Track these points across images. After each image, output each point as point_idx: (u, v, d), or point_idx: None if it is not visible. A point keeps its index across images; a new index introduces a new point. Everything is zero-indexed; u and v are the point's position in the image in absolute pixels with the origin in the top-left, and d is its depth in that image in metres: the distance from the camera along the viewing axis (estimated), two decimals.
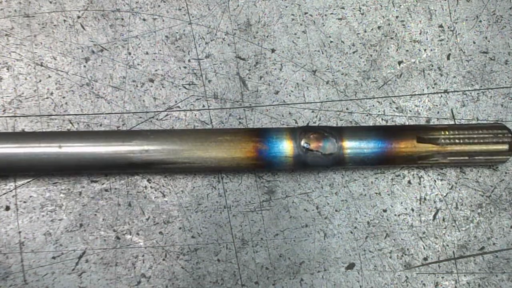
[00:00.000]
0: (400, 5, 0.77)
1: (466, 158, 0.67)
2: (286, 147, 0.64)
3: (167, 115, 0.70)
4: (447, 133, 0.66)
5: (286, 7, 0.75)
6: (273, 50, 0.73)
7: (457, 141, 0.66)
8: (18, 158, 0.61)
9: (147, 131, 0.64)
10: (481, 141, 0.66)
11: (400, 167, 0.72)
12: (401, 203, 0.71)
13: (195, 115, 0.71)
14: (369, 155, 0.65)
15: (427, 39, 0.76)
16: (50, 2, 0.71)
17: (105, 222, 0.67)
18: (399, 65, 0.75)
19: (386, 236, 0.70)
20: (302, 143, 0.63)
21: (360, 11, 0.76)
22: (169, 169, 0.65)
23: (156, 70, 0.71)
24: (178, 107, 0.71)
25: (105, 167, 0.63)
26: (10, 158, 0.60)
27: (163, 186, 0.69)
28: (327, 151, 0.63)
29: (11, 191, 0.67)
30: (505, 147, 0.67)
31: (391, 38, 0.75)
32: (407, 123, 0.73)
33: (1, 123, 0.68)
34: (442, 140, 0.66)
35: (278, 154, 0.64)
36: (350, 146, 0.64)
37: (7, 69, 0.69)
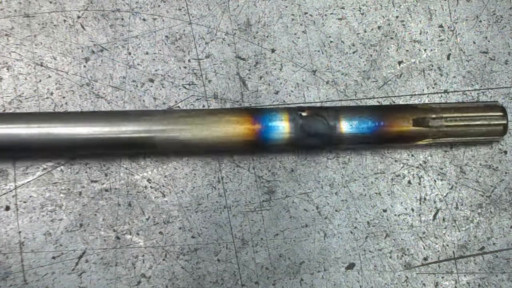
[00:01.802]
0: (400, 5, 0.77)
1: (460, 138, 0.68)
2: (283, 125, 0.64)
3: None
4: (442, 115, 0.67)
5: (286, 7, 0.75)
6: (273, 50, 0.73)
7: (452, 122, 0.67)
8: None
9: (137, 111, 0.64)
10: (477, 122, 0.67)
11: (402, 164, 0.72)
12: (401, 203, 0.71)
13: None
14: (365, 134, 0.65)
15: (427, 39, 0.76)
16: (50, 2, 0.71)
17: (105, 222, 0.67)
18: (399, 65, 0.75)
19: (386, 236, 0.70)
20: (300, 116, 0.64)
21: (360, 11, 0.76)
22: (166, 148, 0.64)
23: (156, 70, 0.71)
24: (178, 107, 0.71)
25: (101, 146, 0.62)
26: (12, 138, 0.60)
27: (163, 186, 0.69)
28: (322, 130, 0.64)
29: (11, 191, 0.67)
30: (500, 128, 0.68)
31: (391, 38, 0.75)
32: None
33: None
34: (437, 121, 0.66)
35: (275, 132, 0.63)
36: (346, 125, 0.65)
37: (7, 69, 0.69)
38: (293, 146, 0.66)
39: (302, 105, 0.72)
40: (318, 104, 0.72)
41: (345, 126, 0.64)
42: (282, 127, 0.63)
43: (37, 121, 0.61)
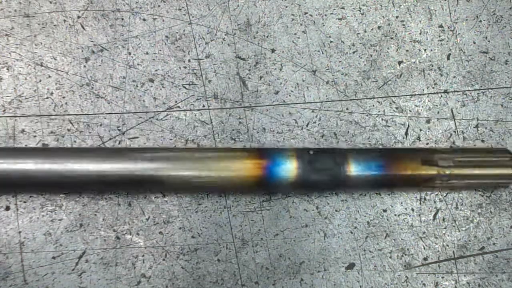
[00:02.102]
0: (400, 5, 0.77)
1: (470, 181, 0.67)
2: (289, 167, 0.63)
3: (167, 115, 0.70)
4: (451, 156, 0.66)
5: (286, 7, 0.75)
6: (273, 50, 0.73)
7: (461, 164, 0.66)
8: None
9: (148, 149, 0.64)
10: (485, 164, 0.66)
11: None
12: (401, 203, 0.71)
13: (195, 115, 0.71)
14: (372, 178, 0.64)
15: (427, 39, 0.76)
16: (50, 2, 0.71)
17: (105, 222, 0.67)
18: (399, 65, 0.75)
19: (386, 236, 0.70)
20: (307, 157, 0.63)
21: (360, 11, 0.76)
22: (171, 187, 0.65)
23: (156, 70, 0.71)
24: (178, 107, 0.71)
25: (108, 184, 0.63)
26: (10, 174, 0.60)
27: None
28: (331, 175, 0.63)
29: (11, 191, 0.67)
30: (509, 171, 0.67)
31: (391, 38, 0.75)
32: (407, 123, 0.73)
33: (1, 123, 0.68)
34: (446, 164, 0.65)
35: (281, 174, 0.63)
36: (354, 169, 0.64)
37: (7, 69, 0.69)
38: (300, 185, 0.65)
39: (302, 105, 0.72)
40: (318, 104, 0.73)
41: (354, 172, 0.64)
42: (290, 165, 0.63)
43: (45, 157, 0.61)
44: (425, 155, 0.66)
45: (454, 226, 0.71)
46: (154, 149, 0.64)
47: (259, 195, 0.70)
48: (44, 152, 0.62)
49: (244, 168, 0.62)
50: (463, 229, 0.71)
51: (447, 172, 0.65)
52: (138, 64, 0.71)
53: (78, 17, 0.71)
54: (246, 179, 0.63)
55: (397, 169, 0.64)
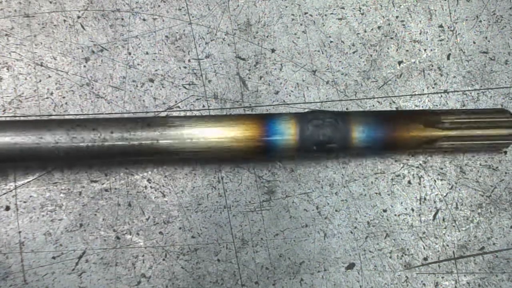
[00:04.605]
0: (400, 5, 0.77)
1: (471, 142, 0.67)
2: (290, 131, 0.62)
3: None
4: (452, 117, 0.66)
5: (286, 7, 0.75)
6: (273, 50, 0.73)
7: (462, 125, 0.66)
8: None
9: (146, 118, 0.63)
10: (486, 125, 0.66)
11: (402, 164, 0.72)
12: (401, 203, 0.71)
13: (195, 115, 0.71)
14: (375, 140, 0.64)
15: (427, 39, 0.76)
16: (50, 2, 0.71)
17: (105, 222, 0.67)
18: (399, 65, 0.75)
19: (386, 236, 0.70)
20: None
21: (360, 11, 0.76)
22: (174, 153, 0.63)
23: (156, 70, 0.71)
24: (178, 107, 0.71)
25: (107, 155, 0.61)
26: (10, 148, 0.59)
27: (163, 186, 0.69)
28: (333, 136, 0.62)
29: (11, 191, 0.67)
30: (509, 131, 0.67)
31: (391, 38, 0.75)
32: None
33: None
34: (448, 125, 0.66)
35: (283, 137, 0.62)
36: (357, 130, 0.63)
37: (7, 69, 0.69)
38: (301, 151, 0.64)
39: (302, 105, 0.72)
40: (319, 104, 0.73)
41: (356, 133, 0.63)
42: (290, 130, 0.62)
43: (35, 129, 0.60)
44: (428, 116, 0.66)
45: (454, 226, 0.71)
46: (152, 118, 0.63)
47: (259, 195, 0.70)
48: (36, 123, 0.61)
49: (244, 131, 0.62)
50: (463, 229, 0.71)
51: (450, 133, 0.65)
52: (138, 64, 0.71)
53: (78, 17, 0.71)
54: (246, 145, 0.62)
55: (400, 131, 0.64)
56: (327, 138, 0.62)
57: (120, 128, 0.61)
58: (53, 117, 0.69)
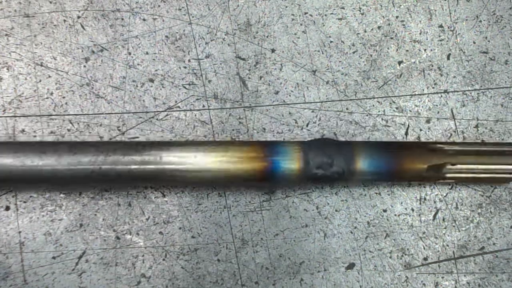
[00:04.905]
0: (400, 5, 0.77)
1: (475, 175, 0.66)
2: (293, 161, 0.62)
3: (167, 115, 0.70)
4: (457, 148, 0.66)
5: (286, 7, 0.75)
6: (273, 50, 0.73)
7: (467, 157, 0.65)
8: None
9: (153, 143, 0.63)
10: (491, 158, 0.66)
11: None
12: (401, 203, 0.71)
13: (195, 115, 0.71)
14: (379, 171, 0.64)
15: (427, 39, 0.76)
16: (50, 2, 0.71)
17: (105, 222, 0.67)
18: (399, 65, 0.75)
19: (386, 236, 0.70)
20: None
21: (360, 11, 0.76)
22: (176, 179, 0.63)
23: (156, 70, 0.71)
24: (178, 107, 0.71)
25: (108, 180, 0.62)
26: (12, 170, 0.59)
27: (163, 186, 0.69)
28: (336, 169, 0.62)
29: (11, 191, 0.67)
30: None
31: (391, 38, 0.75)
32: (407, 123, 0.73)
33: (1, 123, 0.68)
34: (452, 156, 0.65)
35: (285, 167, 0.62)
36: (361, 162, 0.63)
37: (7, 69, 0.69)
38: (304, 178, 0.64)
39: (302, 105, 0.72)
40: (318, 104, 0.73)
41: (360, 165, 0.63)
42: (293, 159, 0.62)
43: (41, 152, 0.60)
44: (432, 145, 0.65)
45: (454, 226, 0.71)
46: (154, 143, 0.63)
47: (259, 195, 0.70)
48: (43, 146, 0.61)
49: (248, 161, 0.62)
50: (463, 229, 0.71)
51: (454, 161, 0.64)
52: (138, 64, 0.71)
53: (78, 17, 0.71)
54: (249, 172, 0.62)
55: (404, 162, 0.64)
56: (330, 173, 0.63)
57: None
58: (53, 117, 0.69)
